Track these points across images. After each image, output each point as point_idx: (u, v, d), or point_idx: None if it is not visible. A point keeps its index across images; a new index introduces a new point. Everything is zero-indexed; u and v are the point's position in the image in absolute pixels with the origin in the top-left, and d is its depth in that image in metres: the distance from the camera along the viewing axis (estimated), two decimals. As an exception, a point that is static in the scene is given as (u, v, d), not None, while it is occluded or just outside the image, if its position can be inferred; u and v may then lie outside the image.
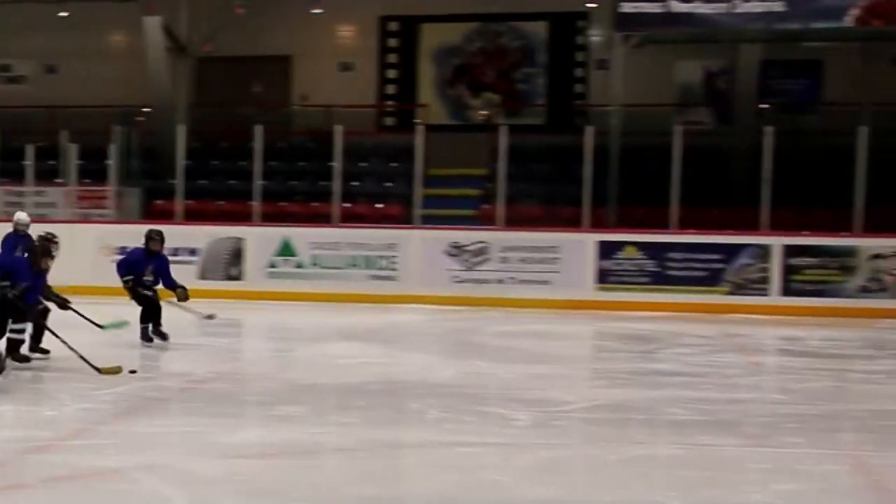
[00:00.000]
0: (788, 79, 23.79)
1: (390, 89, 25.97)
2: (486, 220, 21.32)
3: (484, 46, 25.62)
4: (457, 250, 19.84)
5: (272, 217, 21.18)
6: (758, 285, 19.19)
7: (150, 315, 13.42)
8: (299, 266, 20.08)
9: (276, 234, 20.30)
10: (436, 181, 22.32)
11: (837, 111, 22.48)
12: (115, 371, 11.31)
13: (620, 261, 19.57)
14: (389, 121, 26.09)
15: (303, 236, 20.22)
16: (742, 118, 22.48)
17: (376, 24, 25.84)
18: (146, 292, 13.50)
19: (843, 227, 19.33)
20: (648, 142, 21.23)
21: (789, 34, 21.27)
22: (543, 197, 22.27)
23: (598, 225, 20.28)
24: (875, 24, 20.45)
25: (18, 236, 15.22)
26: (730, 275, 19.29)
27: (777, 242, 19.19)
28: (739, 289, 19.24)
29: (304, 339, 15.72)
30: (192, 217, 21.07)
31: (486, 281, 19.76)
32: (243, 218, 20.97)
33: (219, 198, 22.79)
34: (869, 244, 19.01)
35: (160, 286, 13.77)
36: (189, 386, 11.23)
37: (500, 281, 19.74)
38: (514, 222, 20.52)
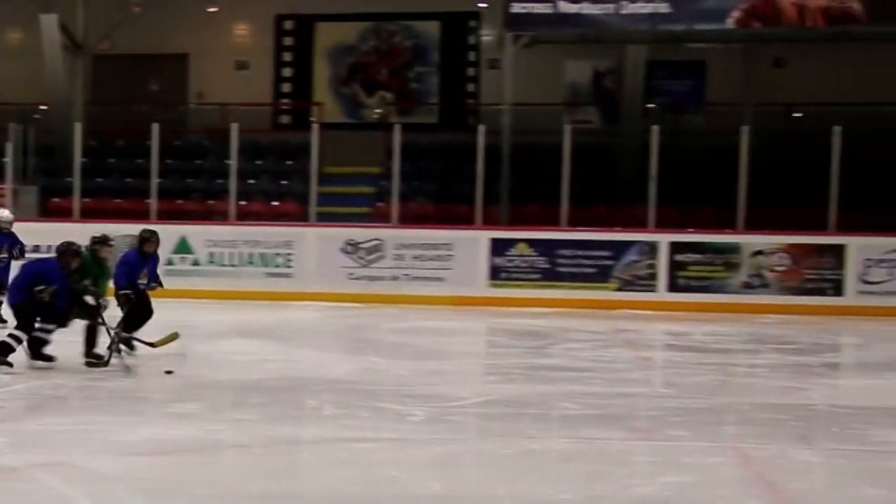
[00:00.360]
0: (673, 79, 24.18)
1: (286, 88, 26.00)
2: (380, 218, 21.40)
3: (378, 46, 25.74)
4: (352, 248, 19.94)
5: (169, 215, 21.10)
6: (645, 281, 19.51)
7: (138, 324, 12.74)
8: (196, 264, 20.05)
9: (172, 231, 20.18)
10: (331, 179, 22.40)
11: (720, 111, 22.95)
12: (173, 337, 11.98)
13: (512, 258, 19.79)
14: (285, 119, 26.12)
15: (199, 234, 20.21)
16: (629, 117, 22.78)
17: (271, 23, 25.85)
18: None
19: (726, 225, 19.72)
20: (539, 140, 21.44)
21: (674, 35, 21.59)
22: (437, 195, 22.50)
23: (490, 222, 20.49)
24: (755, 26, 20.91)
25: (2, 235, 14.95)
26: (618, 271, 19.58)
27: (663, 239, 19.53)
28: (627, 285, 19.53)
29: (201, 336, 15.61)
30: (89, 215, 20.86)
31: (380, 278, 19.91)
32: (140, 216, 20.78)
33: (116, 196, 22.68)
34: (751, 241, 19.42)
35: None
36: (87, 384, 11.18)
37: (395, 278, 19.93)
38: (408, 220, 20.71)
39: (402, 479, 7.59)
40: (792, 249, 19.33)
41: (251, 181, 22.54)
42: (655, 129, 20.05)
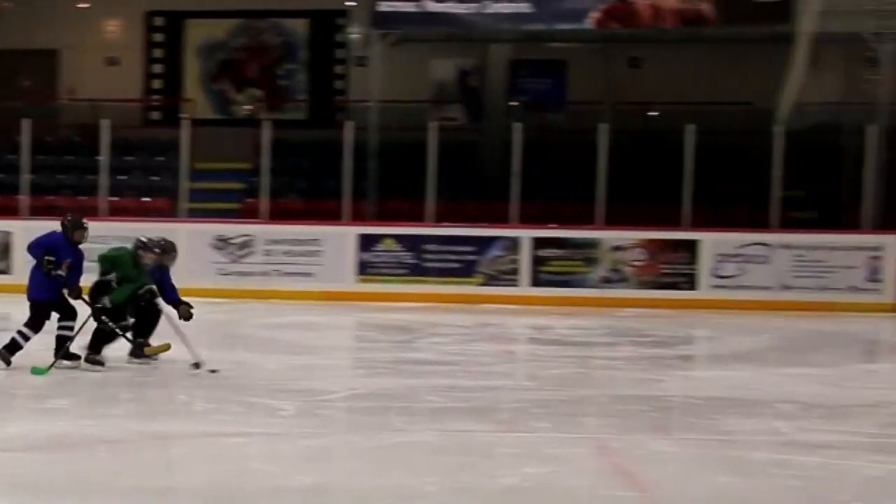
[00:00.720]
0: (535, 78, 24.39)
1: (156, 84, 25.91)
2: (250, 214, 21.45)
3: (247, 42, 25.81)
4: (222, 243, 20.01)
5: (40, 211, 20.93)
6: (508, 276, 19.85)
7: (150, 327, 12.49)
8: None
9: (43, 227, 19.84)
10: (201, 175, 22.44)
11: (580, 109, 23.28)
12: (165, 348, 11.80)
13: (380, 253, 20.04)
14: (155, 115, 25.97)
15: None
16: (493, 115, 23.20)
17: (142, 19, 25.75)
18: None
19: (586, 221, 20.10)
20: (406, 137, 21.69)
21: (535, 35, 22.04)
22: (306, 191, 22.63)
23: (358, 218, 20.66)
24: (613, 27, 21.46)
25: None
26: (483, 266, 19.93)
27: (526, 235, 19.87)
28: (492, 279, 19.86)
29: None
30: (-39, 211, 20.81)
31: (250, 273, 20.01)
32: (11, 212, 20.72)
33: (-14, 192, 22.49)
34: (610, 236, 19.86)
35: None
36: (-44, 381, 11.06)
37: (265, 273, 20.05)
38: (277, 216, 20.79)
39: (271, 473, 7.64)
40: (648, 245, 19.81)
41: (122, 177, 22.43)
42: (518, 126, 20.37)
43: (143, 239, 12.26)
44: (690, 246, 19.78)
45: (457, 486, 7.40)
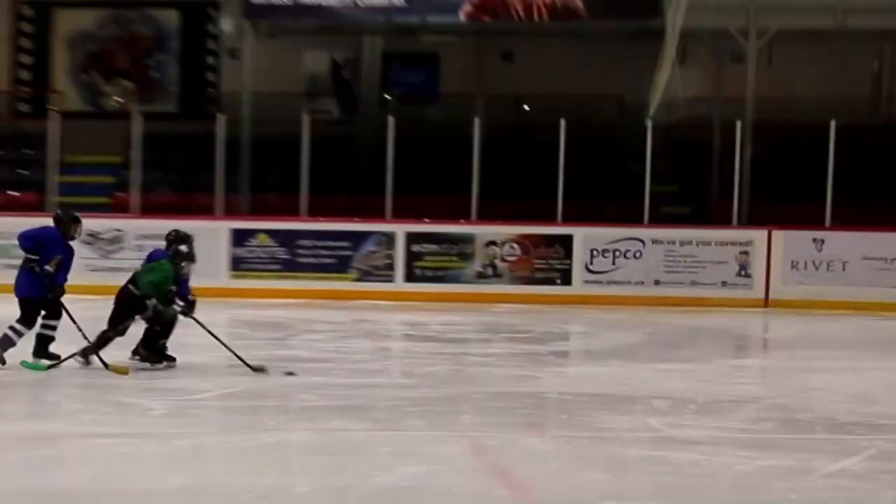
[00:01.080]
0: (409, 70, 24.58)
1: (24, 75, 25.59)
2: (120, 208, 21.25)
3: (117, 33, 25.51)
4: (92, 238, 19.72)
5: None
6: (383, 272, 19.90)
7: (165, 332, 12.35)
8: (-65, 255, 19.55)
9: None
10: (71, 169, 22.16)
11: (454, 103, 23.48)
12: (123, 371, 11.38)
13: (253, 248, 19.93)
14: (24, 107, 25.66)
15: (-63, 226, 19.67)
16: (366, 108, 23.30)
17: (9, 9, 25.34)
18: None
19: (461, 215, 20.23)
20: (279, 130, 21.60)
21: (408, 27, 22.17)
22: (177, 185, 22.46)
23: (231, 213, 20.61)
24: (485, 20, 21.62)
25: None
26: (357, 262, 19.95)
27: (400, 230, 19.94)
28: (366, 275, 19.89)
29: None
30: None
31: (121, 269, 19.64)
32: None
33: None
34: (484, 231, 20.01)
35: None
36: None
37: (136, 269, 19.76)
38: (148, 210, 20.60)
39: (142, 474, 7.57)
40: (522, 239, 19.96)
41: (-11, 171, 22.13)
42: (392, 120, 20.42)
43: (183, 249, 12.23)
44: (564, 241, 19.95)
45: (331, 486, 7.37)
